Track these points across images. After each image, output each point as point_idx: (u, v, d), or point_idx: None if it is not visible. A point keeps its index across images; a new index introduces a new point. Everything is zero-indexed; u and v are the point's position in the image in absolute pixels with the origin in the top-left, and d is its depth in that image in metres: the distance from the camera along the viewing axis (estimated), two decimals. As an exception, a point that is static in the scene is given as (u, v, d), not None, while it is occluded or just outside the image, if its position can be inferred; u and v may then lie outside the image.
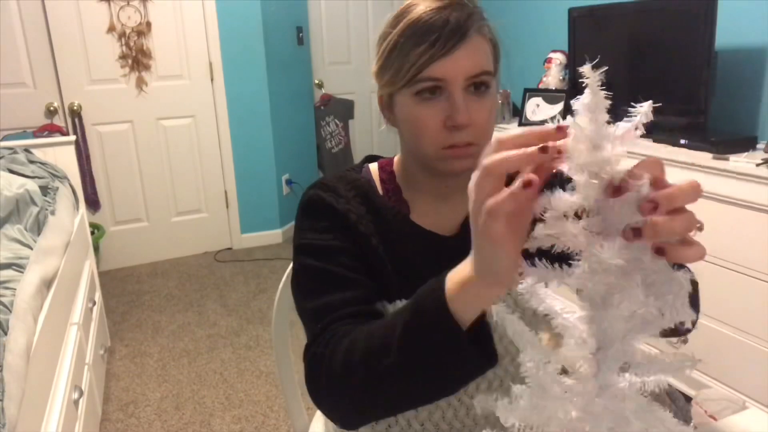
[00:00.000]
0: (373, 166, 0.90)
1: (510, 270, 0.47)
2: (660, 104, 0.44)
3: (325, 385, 0.66)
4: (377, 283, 0.80)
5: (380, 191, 0.86)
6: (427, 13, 0.73)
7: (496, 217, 0.44)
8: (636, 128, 0.42)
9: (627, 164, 0.42)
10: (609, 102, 0.42)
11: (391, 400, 0.61)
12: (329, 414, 0.68)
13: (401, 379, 0.58)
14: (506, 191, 0.44)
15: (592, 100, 0.42)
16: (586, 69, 0.42)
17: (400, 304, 0.80)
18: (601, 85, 0.42)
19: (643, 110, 0.42)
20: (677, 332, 0.60)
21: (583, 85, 0.42)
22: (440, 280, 0.55)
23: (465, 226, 0.86)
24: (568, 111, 2.72)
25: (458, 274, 0.53)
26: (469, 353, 0.53)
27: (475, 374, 0.56)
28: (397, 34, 0.75)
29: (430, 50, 0.72)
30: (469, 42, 0.73)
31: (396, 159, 0.89)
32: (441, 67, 0.72)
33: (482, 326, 0.55)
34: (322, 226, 0.80)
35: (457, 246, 0.84)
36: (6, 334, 1.22)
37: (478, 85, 0.75)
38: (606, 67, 0.43)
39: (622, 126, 0.42)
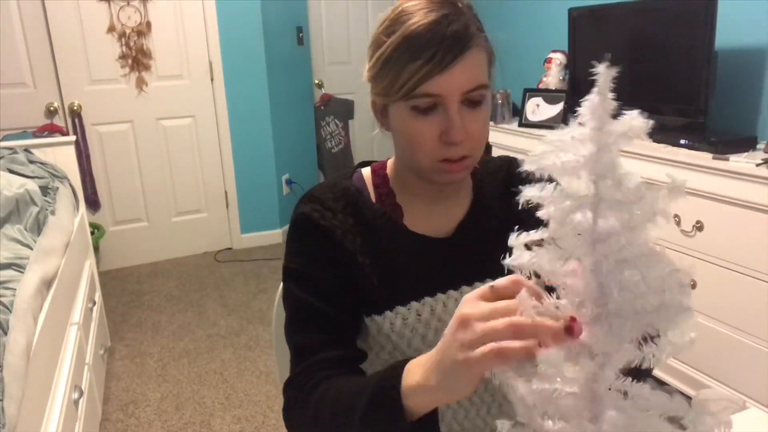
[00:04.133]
0: (366, 171, 0.88)
1: (469, 392, 0.51)
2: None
3: (297, 427, 0.76)
4: (363, 298, 0.80)
5: (373, 196, 0.85)
6: (423, 26, 0.71)
7: (485, 366, 0.47)
8: None
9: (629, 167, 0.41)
10: (615, 106, 0.40)
11: None
12: None
13: None
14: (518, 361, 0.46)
15: (599, 102, 0.40)
16: (601, 67, 0.40)
17: (390, 314, 0.81)
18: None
19: None
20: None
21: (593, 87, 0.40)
22: (399, 372, 0.57)
23: (460, 228, 0.86)
24: (567, 111, 2.72)
25: (417, 377, 0.56)
26: None
27: None
28: (392, 48, 0.73)
29: (426, 66, 0.70)
30: (466, 57, 0.71)
31: (390, 162, 0.88)
32: (437, 84, 0.71)
33: (431, 417, 0.58)
34: (308, 249, 0.81)
35: (450, 248, 0.84)
36: (6, 334, 1.22)
37: (474, 98, 0.74)
38: (619, 67, 0.41)
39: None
